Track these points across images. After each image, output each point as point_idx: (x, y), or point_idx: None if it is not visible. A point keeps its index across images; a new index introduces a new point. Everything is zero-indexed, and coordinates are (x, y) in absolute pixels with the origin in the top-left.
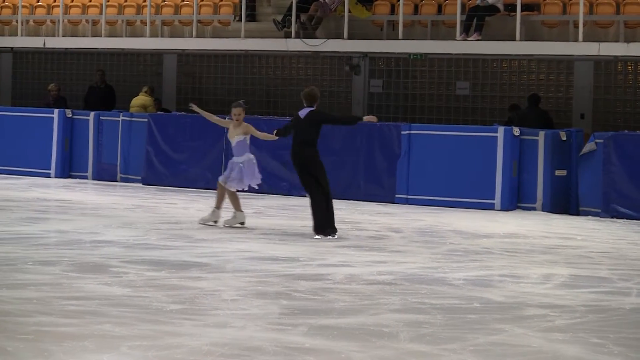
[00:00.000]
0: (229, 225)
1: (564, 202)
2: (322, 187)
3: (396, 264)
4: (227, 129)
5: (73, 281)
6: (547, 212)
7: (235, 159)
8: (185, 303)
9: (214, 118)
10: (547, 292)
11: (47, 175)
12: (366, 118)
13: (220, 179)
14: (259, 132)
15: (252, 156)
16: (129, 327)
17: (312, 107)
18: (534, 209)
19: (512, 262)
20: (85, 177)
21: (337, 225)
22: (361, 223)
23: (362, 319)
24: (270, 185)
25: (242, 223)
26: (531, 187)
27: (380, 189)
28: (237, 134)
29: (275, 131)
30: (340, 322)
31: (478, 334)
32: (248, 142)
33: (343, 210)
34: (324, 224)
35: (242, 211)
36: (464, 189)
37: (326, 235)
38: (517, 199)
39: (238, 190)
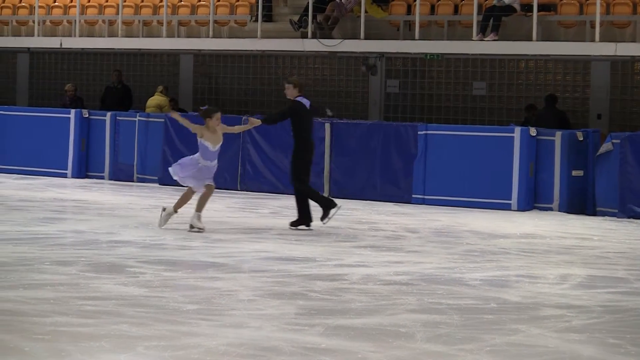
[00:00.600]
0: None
1: (580, 203)
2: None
3: (413, 264)
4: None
5: (90, 281)
6: (564, 212)
7: (204, 162)
8: (202, 303)
9: (187, 123)
10: (564, 293)
11: (64, 176)
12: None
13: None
14: (234, 127)
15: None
16: (146, 327)
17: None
18: (550, 209)
19: (528, 263)
20: (102, 177)
21: (353, 225)
22: (378, 223)
23: (378, 319)
24: (286, 186)
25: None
26: (548, 188)
27: (397, 189)
28: (219, 140)
29: (263, 118)
30: (356, 322)
31: (495, 334)
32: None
33: (359, 211)
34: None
35: (176, 212)
36: (481, 189)
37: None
38: (533, 199)
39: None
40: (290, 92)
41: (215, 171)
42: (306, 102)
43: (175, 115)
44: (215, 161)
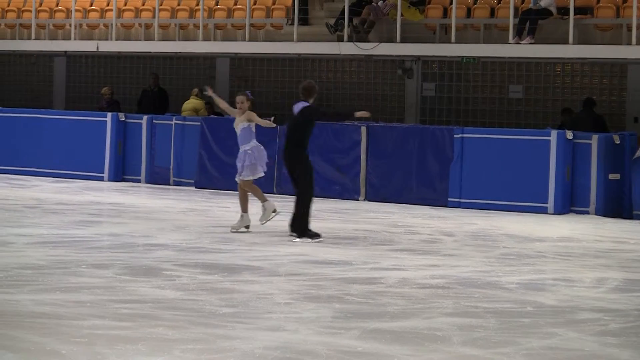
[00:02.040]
0: (235, 230)
1: (617, 206)
2: (298, 190)
3: (449, 268)
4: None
5: (126, 284)
6: (600, 215)
7: (241, 148)
8: (238, 306)
9: (223, 104)
10: (601, 296)
11: (101, 179)
12: (358, 114)
13: (237, 178)
14: (260, 120)
15: (258, 143)
16: (182, 330)
17: (307, 102)
18: (587, 212)
19: (565, 266)
20: (138, 181)
21: (389, 228)
22: (414, 227)
23: (414, 322)
24: (322, 189)
25: (247, 227)
26: (584, 191)
27: (433, 193)
28: (241, 121)
29: (272, 118)
30: (393, 325)
31: (531, 337)
32: (253, 129)
33: (395, 214)
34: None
35: (247, 213)
36: (517, 193)
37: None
38: (570, 202)
39: (258, 178)
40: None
41: (264, 152)
42: (296, 107)
43: (212, 94)
44: (252, 142)
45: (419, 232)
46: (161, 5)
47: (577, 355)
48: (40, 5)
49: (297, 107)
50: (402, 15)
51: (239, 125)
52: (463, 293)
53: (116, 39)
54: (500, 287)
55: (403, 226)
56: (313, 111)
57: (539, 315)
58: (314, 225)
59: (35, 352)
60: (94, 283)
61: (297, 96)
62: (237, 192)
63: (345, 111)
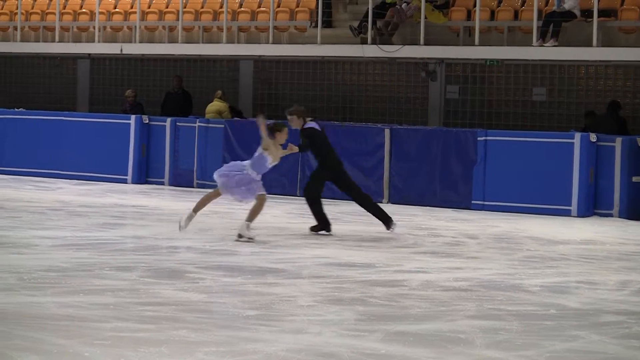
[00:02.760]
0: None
1: None
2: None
3: (472, 270)
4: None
5: (150, 287)
6: (624, 218)
7: (251, 171)
8: (261, 309)
9: (264, 132)
10: (624, 299)
11: (124, 181)
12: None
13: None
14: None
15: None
16: (205, 333)
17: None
18: (610, 215)
19: (588, 269)
20: (162, 183)
21: (413, 230)
22: (437, 229)
23: (438, 325)
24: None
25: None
26: (608, 194)
27: (456, 195)
28: (278, 158)
29: (299, 148)
30: (416, 328)
31: (554, 340)
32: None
33: (419, 217)
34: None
35: (196, 214)
36: (541, 195)
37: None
38: (593, 205)
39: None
40: (296, 122)
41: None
42: (318, 126)
43: (260, 121)
44: (260, 176)
45: (442, 234)
46: (185, 7)
47: (600, 358)
48: (64, 7)
49: (318, 125)
50: (425, 17)
51: (276, 162)
52: (486, 296)
53: (140, 42)
54: (524, 289)
55: (426, 229)
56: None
57: (562, 318)
58: (336, 227)
59: (59, 355)
60: (118, 285)
61: (321, 99)
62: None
63: None
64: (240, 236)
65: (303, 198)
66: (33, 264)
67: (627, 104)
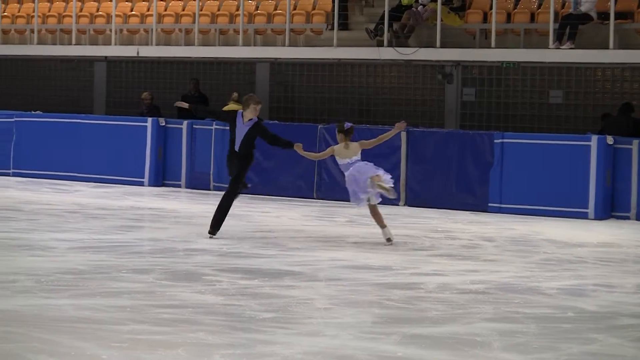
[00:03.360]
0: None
1: None
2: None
3: (489, 273)
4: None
5: (166, 289)
6: None
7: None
8: (278, 311)
9: (313, 155)
10: None
11: (141, 184)
12: (297, 148)
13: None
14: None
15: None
16: (222, 335)
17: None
18: (627, 218)
19: (605, 272)
20: (179, 186)
21: (429, 233)
22: (454, 232)
23: (454, 328)
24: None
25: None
26: (625, 196)
27: (473, 198)
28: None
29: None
30: (432, 331)
31: (572, 343)
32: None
33: (435, 219)
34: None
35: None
36: (557, 198)
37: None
38: (610, 208)
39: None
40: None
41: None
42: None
43: (300, 150)
44: (350, 170)
45: (459, 237)
46: (201, 10)
47: None
48: (81, 10)
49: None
50: (441, 20)
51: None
52: (503, 298)
53: (156, 44)
54: (541, 292)
55: (443, 231)
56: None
57: (579, 320)
58: (353, 230)
59: (76, 357)
60: (135, 288)
61: (337, 101)
62: (275, 197)
63: (284, 141)
64: (389, 240)
65: (320, 200)
66: (50, 267)
67: None
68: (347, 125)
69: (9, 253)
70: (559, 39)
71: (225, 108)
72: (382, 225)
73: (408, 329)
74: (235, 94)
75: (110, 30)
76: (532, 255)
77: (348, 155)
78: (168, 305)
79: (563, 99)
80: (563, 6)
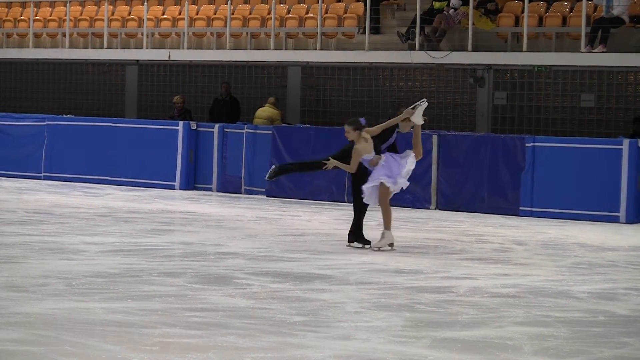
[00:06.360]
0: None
1: None
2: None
3: (520, 277)
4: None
5: (197, 293)
6: None
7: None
8: (309, 315)
9: (345, 167)
10: None
11: (172, 187)
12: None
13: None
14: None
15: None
16: (253, 339)
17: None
18: None
19: (637, 276)
20: (210, 189)
21: (460, 237)
22: (485, 235)
23: (485, 331)
24: (393, 198)
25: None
26: None
27: (505, 202)
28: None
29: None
30: (463, 334)
31: (603, 347)
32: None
33: (466, 223)
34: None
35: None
36: (589, 202)
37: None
38: None
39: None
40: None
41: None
42: None
43: (332, 166)
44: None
45: (490, 241)
46: (233, 14)
47: None
48: (112, 14)
49: None
50: (473, 24)
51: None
52: (534, 302)
53: (188, 48)
54: (572, 296)
55: (474, 235)
56: None
57: (610, 324)
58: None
59: None
60: (165, 291)
61: (368, 105)
62: (307, 200)
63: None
64: (390, 245)
65: (351, 204)
66: (81, 270)
67: None
68: (364, 121)
69: (40, 256)
70: (591, 42)
71: (261, 111)
72: (387, 227)
73: (439, 332)
74: (272, 98)
75: (142, 34)
76: (563, 259)
77: (370, 150)
78: (199, 308)
79: (595, 103)
80: (595, 10)
